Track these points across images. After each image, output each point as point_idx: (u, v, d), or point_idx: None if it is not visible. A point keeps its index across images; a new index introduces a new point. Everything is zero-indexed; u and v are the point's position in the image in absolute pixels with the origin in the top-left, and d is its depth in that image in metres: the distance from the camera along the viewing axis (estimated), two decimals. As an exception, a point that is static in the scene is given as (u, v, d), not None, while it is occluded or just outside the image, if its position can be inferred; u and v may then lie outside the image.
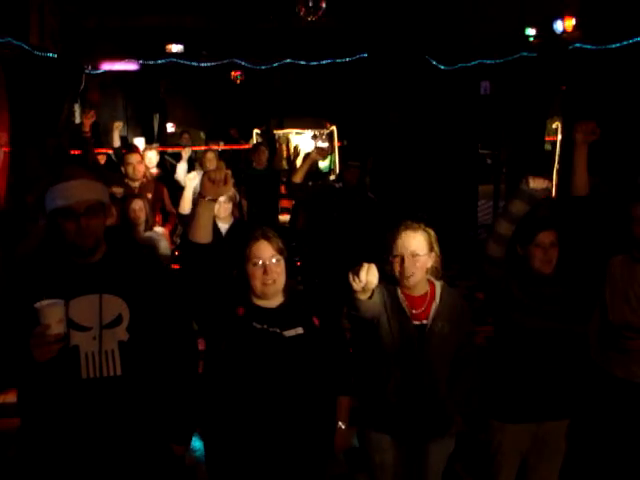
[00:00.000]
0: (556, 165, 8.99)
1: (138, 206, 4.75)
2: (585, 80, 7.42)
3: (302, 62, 11.22)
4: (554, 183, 8.31)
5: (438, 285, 2.82)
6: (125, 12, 10.83)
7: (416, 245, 2.70)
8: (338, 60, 11.01)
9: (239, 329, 2.47)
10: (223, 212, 4.74)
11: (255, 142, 11.34)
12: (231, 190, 4.55)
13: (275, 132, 13.06)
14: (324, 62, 11.10)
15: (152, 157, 6.97)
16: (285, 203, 8.84)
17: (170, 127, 14.19)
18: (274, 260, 2.51)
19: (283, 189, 8.24)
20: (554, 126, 10.08)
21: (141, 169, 6.04)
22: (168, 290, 2.45)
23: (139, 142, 10.42)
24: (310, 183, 5.72)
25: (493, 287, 2.99)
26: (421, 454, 2.83)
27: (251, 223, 6.29)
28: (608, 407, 3.11)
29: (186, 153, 7.62)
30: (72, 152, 8.95)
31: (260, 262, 2.50)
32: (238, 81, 14.01)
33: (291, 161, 9.71)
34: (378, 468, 2.87)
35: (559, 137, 9.26)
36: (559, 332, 2.89)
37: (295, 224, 7.37)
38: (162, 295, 2.41)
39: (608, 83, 7.01)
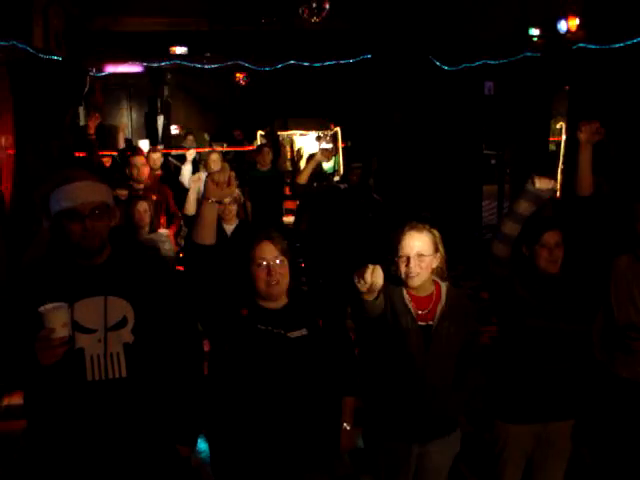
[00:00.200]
0: (560, 165, 8.97)
1: (143, 208, 4.77)
2: (589, 80, 7.41)
3: (306, 63, 11.22)
4: (559, 183, 8.29)
5: (443, 286, 2.82)
6: (129, 14, 10.85)
7: (421, 246, 2.69)
8: (342, 61, 11.02)
9: (243, 330, 2.47)
10: (228, 214, 4.75)
11: (259, 143, 11.33)
12: (235, 192, 4.57)
13: (279, 133, 13.06)
14: (328, 63, 11.10)
15: (156, 159, 7.00)
16: (289, 204, 8.84)
17: (174, 129, 14.20)
18: (278, 261, 2.51)
19: (287, 190, 8.25)
20: (558, 126, 10.06)
21: (145, 171, 6.08)
22: (173, 292, 2.46)
23: (143, 144, 10.45)
24: (315, 184, 5.75)
25: (498, 287, 2.99)
26: (426, 454, 2.83)
27: (256, 224, 6.30)
28: (613, 407, 3.10)
29: (190, 155, 7.64)
30: (77, 154, 8.99)
31: (264, 263, 2.49)
32: (243, 82, 14.01)
33: (295, 162, 9.70)
34: (383, 469, 2.87)
35: (563, 137, 9.24)
36: (564, 332, 2.89)
37: (299, 225, 7.38)
38: (167, 297, 2.41)
39: (612, 83, 6.99)
